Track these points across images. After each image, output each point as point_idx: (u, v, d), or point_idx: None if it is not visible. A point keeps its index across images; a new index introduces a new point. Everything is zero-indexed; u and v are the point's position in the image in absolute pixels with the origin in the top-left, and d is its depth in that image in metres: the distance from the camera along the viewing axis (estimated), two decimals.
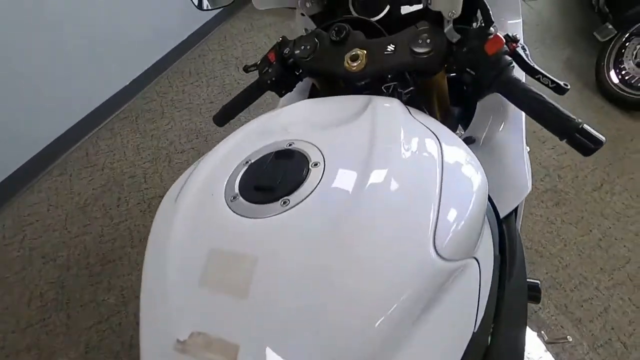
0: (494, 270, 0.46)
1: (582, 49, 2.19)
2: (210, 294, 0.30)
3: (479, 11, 0.60)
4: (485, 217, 0.41)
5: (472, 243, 0.36)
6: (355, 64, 0.55)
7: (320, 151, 0.37)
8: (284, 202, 0.33)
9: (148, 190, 1.76)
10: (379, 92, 0.62)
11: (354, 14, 0.71)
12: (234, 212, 0.34)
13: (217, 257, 0.32)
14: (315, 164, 0.36)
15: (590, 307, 1.28)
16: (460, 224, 0.33)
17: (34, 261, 1.55)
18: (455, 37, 0.52)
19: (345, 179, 0.34)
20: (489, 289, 0.43)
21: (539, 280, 0.60)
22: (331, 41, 0.59)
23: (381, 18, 0.68)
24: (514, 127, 0.59)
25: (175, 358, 0.29)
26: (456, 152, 0.40)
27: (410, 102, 0.63)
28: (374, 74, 0.56)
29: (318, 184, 0.34)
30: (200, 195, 0.38)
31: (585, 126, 0.45)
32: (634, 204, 1.55)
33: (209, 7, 0.79)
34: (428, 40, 0.52)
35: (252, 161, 0.39)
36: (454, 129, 0.75)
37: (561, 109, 0.46)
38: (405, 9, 0.69)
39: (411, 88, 0.62)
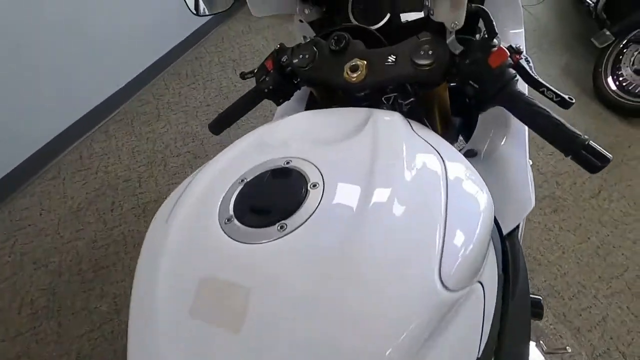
0: (497, 290, 0.44)
1: (580, 55, 2.20)
2: (201, 327, 0.29)
3: (481, 20, 0.59)
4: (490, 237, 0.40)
5: (478, 268, 0.34)
6: (355, 75, 0.54)
7: (319, 170, 0.36)
8: (281, 227, 0.32)
9: (143, 194, 1.73)
10: (379, 103, 0.60)
11: (354, 21, 0.69)
12: (228, 236, 0.33)
13: (209, 285, 0.30)
14: (314, 185, 0.34)
15: (589, 316, 1.27)
16: (467, 251, 0.31)
17: (24, 267, 1.52)
18: (458, 49, 0.51)
19: (345, 203, 0.33)
20: (493, 311, 0.41)
21: (541, 296, 0.59)
22: (330, 50, 0.57)
23: (381, 26, 0.67)
24: (517, 140, 0.57)
25: None
26: (460, 171, 0.38)
27: (411, 112, 0.61)
28: (374, 85, 0.55)
29: (316, 207, 0.32)
30: (193, 216, 0.36)
31: (592, 143, 0.43)
32: (632, 211, 1.54)
33: (206, 13, 0.77)
34: (430, 52, 0.50)
35: (248, 180, 0.37)
36: (454, 140, 0.74)
37: (566, 124, 0.45)
38: (406, 16, 0.67)
39: (412, 99, 0.60)
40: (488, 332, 0.39)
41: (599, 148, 0.43)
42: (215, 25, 2.58)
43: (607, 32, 1.82)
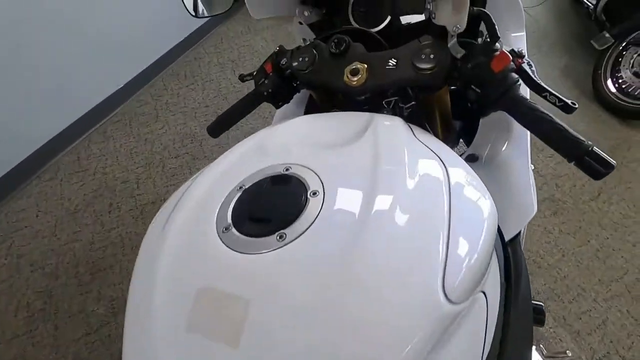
0: (500, 298, 0.44)
1: (579, 57, 2.20)
2: (199, 341, 0.28)
3: (482, 24, 0.58)
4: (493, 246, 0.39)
5: (482, 278, 0.34)
6: (355, 79, 0.53)
7: (319, 178, 0.35)
8: (280, 237, 0.31)
9: (141, 196, 1.72)
10: (379, 107, 0.60)
11: (354, 24, 0.68)
12: (225, 245, 0.32)
13: (206, 297, 0.29)
14: (314, 193, 0.33)
15: (589, 320, 1.27)
16: (471, 261, 0.30)
17: (21, 269, 1.51)
18: (460, 53, 0.50)
19: (345, 212, 0.32)
20: (496, 319, 0.41)
21: (542, 303, 0.58)
22: (330, 53, 0.57)
23: (382, 29, 0.66)
24: (519, 145, 0.57)
25: None
26: (463, 178, 0.38)
27: (412, 116, 0.61)
28: (374, 89, 0.54)
29: (317, 216, 0.32)
30: (191, 224, 0.36)
31: (595, 149, 0.43)
32: (632, 213, 1.54)
33: (205, 15, 0.76)
34: (432, 56, 0.50)
35: (247, 187, 0.37)
36: (455, 144, 0.74)
37: (570, 130, 0.44)
38: (407, 19, 0.67)
39: (412, 103, 0.60)
40: (490, 341, 0.39)
41: (602, 154, 0.43)
42: (214, 26, 2.57)
43: (607, 35, 1.82)
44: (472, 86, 0.50)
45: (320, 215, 0.32)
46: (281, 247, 0.30)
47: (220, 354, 0.27)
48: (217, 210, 0.35)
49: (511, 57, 0.48)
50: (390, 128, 0.42)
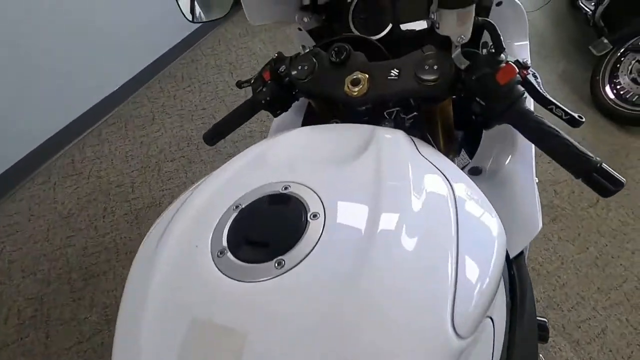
0: (505, 320, 0.42)
1: (577, 62, 2.20)
2: None
3: (485, 33, 0.57)
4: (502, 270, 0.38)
5: (490, 304, 0.32)
6: (356, 89, 0.52)
7: (319, 198, 0.33)
8: (278, 263, 0.29)
9: (136, 200, 1.70)
10: (380, 118, 0.58)
11: (354, 31, 0.67)
12: (220, 271, 0.30)
13: (199, 329, 0.27)
14: (314, 215, 0.32)
15: (588, 329, 1.26)
16: (481, 289, 0.29)
17: (12, 275, 1.47)
18: (464, 64, 0.49)
19: (348, 237, 0.30)
20: (502, 342, 0.39)
21: (546, 319, 0.57)
22: (330, 62, 0.55)
23: (382, 37, 0.65)
24: (524, 158, 0.55)
25: None
26: (470, 199, 0.36)
27: (413, 127, 0.59)
28: (376, 99, 0.52)
29: (317, 242, 0.30)
30: (184, 245, 0.34)
31: (604, 166, 0.41)
32: (630, 220, 1.54)
33: (202, 20, 0.74)
34: (435, 67, 0.48)
35: (243, 206, 0.35)
36: (457, 154, 0.72)
37: (578, 145, 0.43)
38: (408, 25, 0.65)
39: (414, 113, 0.58)
40: None
41: (612, 171, 0.41)
42: (211, 28, 2.55)
43: (605, 40, 1.82)
44: (477, 98, 0.49)
45: (321, 241, 0.30)
46: (279, 275, 0.28)
47: None
48: (213, 231, 0.34)
49: (517, 69, 0.46)
50: (392, 143, 0.40)
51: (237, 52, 2.41)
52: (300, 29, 0.72)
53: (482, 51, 0.51)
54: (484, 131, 0.61)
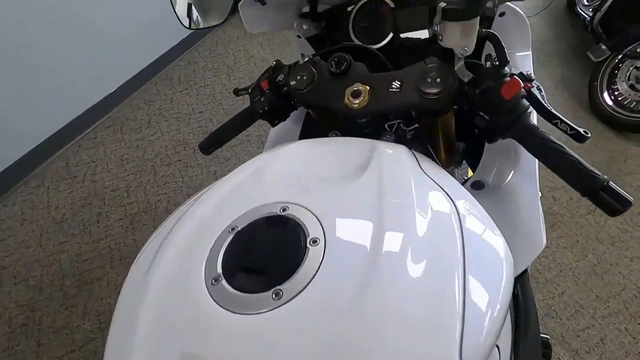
0: (510, 343, 0.41)
1: (575, 68, 2.20)
2: None
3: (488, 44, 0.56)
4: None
5: (499, 333, 0.31)
6: (356, 101, 0.50)
7: (319, 222, 0.32)
8: (276, 294, 0.28)
9: (131, 205, 1.67)
10: (381, 130, 0.57)
11: (355, 40, 0.66)
12: (215, 301, 0.28)
13: None
14: (314, 241, 0.30)
15: (587, 338, 1.25)
16: (491, 321, 0.27)
17: (4, 281, 1.44)
18: (467, 76, 0.48)
19: (350, 263, 0.29)
20: None
21: (548, 336, 0.56)
22: (330, 73, 0.54)
23: (383, 46, 0.63)
24: (527, 173, 0.54)
25: None
26: (473, 216, 0.35)
27: (415, 139, 0.58)
28: (376, 112, 0.51)
29: (317, 271, 0.28)
30: (176, 271, 0.32)
31: (612, 184, 0.40)
32: (628, 227, 1.53)
33: (199, 26, 0.73)
34: (438, 80, 0.47)
35: (239, 228, 0.33)
36: (458, 165, 0.71)
37: (584, 163, 0.42)
38: (409, 34, 0.64)
39: (415, 125, 0.57)
40: None
41: (619, 190, 0.40)
42: (209, 30, 2.53)
43: (603, 47, 1.82)
44: (480, 112, 0.47)
45: (321, 269, 0.28)
46: (277, 307, 0.27)
47: None
48: (206, 256, 0.32)
49: (522, 83, 0.45)
50: (394, 161, 0.39)
51: (235, 55, 2.39)
52: (299, 36, 0.70)
53: (485, 63, 0.49)
54: (486, 143, 0.60)
